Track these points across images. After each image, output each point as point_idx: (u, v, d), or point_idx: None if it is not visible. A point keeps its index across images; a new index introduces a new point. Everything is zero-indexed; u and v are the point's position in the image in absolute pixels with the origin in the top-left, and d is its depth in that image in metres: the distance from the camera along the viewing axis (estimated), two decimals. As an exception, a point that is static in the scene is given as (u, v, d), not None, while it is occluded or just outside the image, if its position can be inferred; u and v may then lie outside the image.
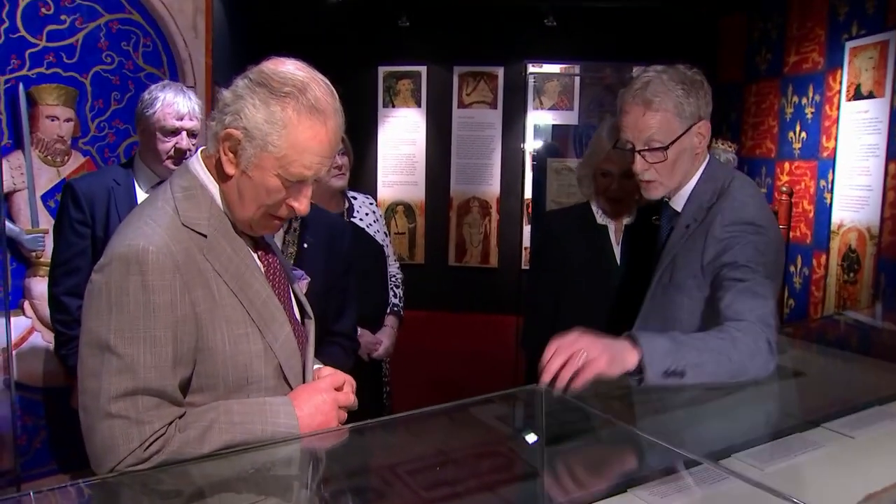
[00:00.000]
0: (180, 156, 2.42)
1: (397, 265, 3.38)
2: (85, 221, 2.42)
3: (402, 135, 6.77)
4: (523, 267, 6.40)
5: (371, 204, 3.27)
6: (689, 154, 1.97)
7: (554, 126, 6.05)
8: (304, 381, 1.59)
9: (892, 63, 3.79)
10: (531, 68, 6.44)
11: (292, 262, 2.33)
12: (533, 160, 5.72)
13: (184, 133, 2.45)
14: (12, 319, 3.13)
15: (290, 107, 1.36)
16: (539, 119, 6.44)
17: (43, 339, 3.21)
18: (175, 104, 2.44)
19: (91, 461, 1.33)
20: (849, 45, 4.15)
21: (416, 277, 5.89)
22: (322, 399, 1.51)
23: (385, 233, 3.29)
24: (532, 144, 6.18)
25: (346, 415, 1.58)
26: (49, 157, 3.23)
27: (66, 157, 3.28)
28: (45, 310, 2.73)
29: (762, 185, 5.03)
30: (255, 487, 1.46)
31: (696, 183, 2.01)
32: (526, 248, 6.42)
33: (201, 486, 1.43)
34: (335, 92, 1.43)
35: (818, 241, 4.42)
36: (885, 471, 1.50)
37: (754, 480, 1.42)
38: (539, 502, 1.58)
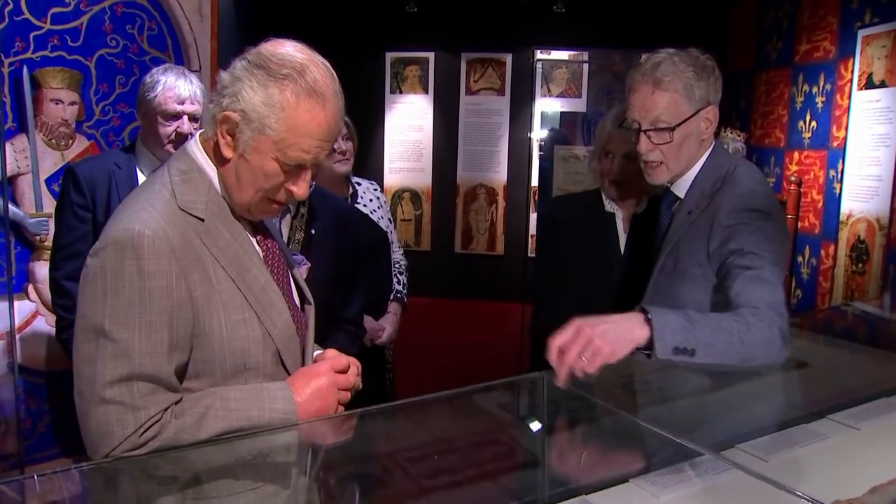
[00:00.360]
0: (181, 140, 2.40)
1: (401, 252, 3.37)
2: (86, 206, 2.41)
3: (409, 121, 6.75)
4: (529, 255, 6.38)
5: (375, 190, 3.25)
6: (695, 138, 1.95)
7: (562, 113, 6.01)
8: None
9: (905, 51, 3.75)
10: (539, 55, 6.41)
11: (300, 248, 2.32)
12: (540, 148, 5.70)
13: (185, 117, 2.44)
14: (16, 303, 3.13)
15: (288, 89, 1.34)
16: (547, 106, 6.40)
17: (47, 323, 3.21)
18: (176, 88, 2.43)
19: (86, 447, 1.32)
20: (861, 33, 4.10)
21: (422, 264, 5.90)
22: (321, 383, 1.49)
23: (389, 219, 3.28)
24: (539, 132, 6.15)
25: (349, 396, 1.56)
26: (53, 141, 3.22)
27: (71, 141, 3.27)
28: (49, 294, 2.73)
29: (771, 174, 5.00)
30: (253, 474, 1.46)
31: (700, 169, 1.99)
32: (532, 236, 6.40)
33: (198, 472, 1.42)
34: (335, 74, 1.41)
35: (827, 231, 4.38)
36: (890, 463, 1.49)
37: (756, 472, 1.41)
38: (540, 491, 1.57)
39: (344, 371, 1.56)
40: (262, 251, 1.53)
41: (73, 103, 3.24)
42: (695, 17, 5.82)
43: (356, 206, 3.05)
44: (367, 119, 6.46)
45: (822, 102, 4.49)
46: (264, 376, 1.46)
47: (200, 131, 1.48)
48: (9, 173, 3.09)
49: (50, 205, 3.17)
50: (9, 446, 3.13)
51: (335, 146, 2.88)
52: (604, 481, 1.41)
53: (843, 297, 4.15)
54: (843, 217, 4.19)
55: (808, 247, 4.57)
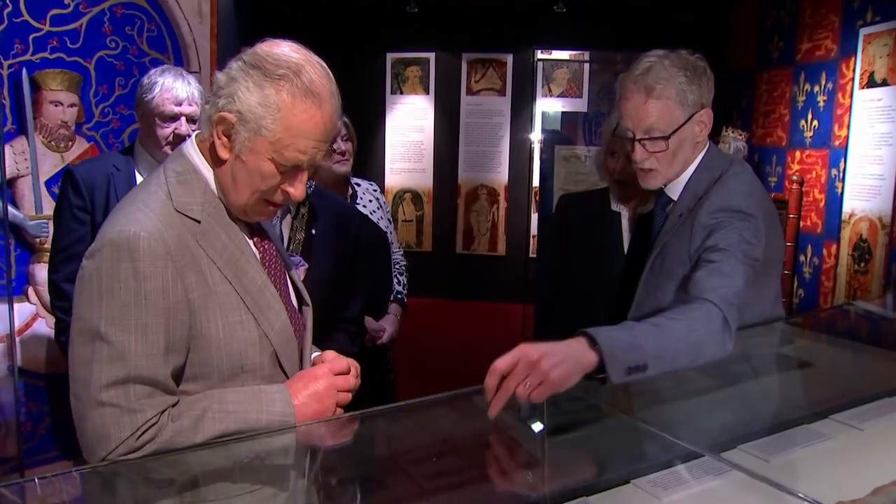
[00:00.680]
0: (179, 141, 2.39)
1: (401, 252, 3.37)
2: (85, 207, 2.41)
3: (409, 122, 6.74)
4: (531, 255, 6.37)
5: (375, 191, 3.25)
6: (689, 143, 1.94)
7: (563, 113, 6.00)
8: (301, 370, 1.57)
9: (907, 50, 3.73)
10: (540, 55, 6.39)
11: (301, 248, 2.33)
12: (541, 148, 5.68)
13: (183, 118, 2.43)
14: (16, 306, 3.12)
15: (284, 90, 1.33)
16: (548, 106, 6.38)
17: (47, 325, 3.20)
18: (174, 89, 2.42)
19: (83, 450, 1.32)
20: (863, 31, 4.08)
21: (423, 265, 5.89)
22: (319, 386, 1.49)
23: (389, 220, 3.27)
24: (540, 132, 6.14)
25: (349, 398, 1.55)
26: (53, 143, 3.22)
27: (70, 143, 3.27)
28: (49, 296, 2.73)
29: (773, 174, 4.98)
30: (251, 476, 1.45)
31: (694, 171, 1.97)
32: (534, 237, 6.39)
33: (197, 475, 1.42)
34: (331, 74, 1.40)
35: (829, 230, 4.37)
36: (893, 464, 1.48)
37: (758, 473, 1.40)
38: (540, 492, 1.55)
39: (343, 373, 1.55)
40: (259, 253, 1.52)
41: (72, 105, 3.23)
42: (695, 17, 5.80)
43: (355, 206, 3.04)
44: (367, 120, 6.45)
45: (824, 101, 4.47)
46: (262, 378, 1.46)
47: (196, 132, 1.48)
48: (8, 175, 3.08)
49: (50, 207, 3.16)
50: (9, 449, 3.12)
51: (335, 147, 2.88)
52: (605, 483, 1.40)
53: (846, 297, 4.14)
54: (845, 216, 4.18)
55: (810, 246, 4.55)
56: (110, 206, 2.38)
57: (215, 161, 1.42)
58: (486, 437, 1.74)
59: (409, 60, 6.71)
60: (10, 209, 3.10)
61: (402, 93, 6.74)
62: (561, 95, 6.57)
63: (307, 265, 1.80)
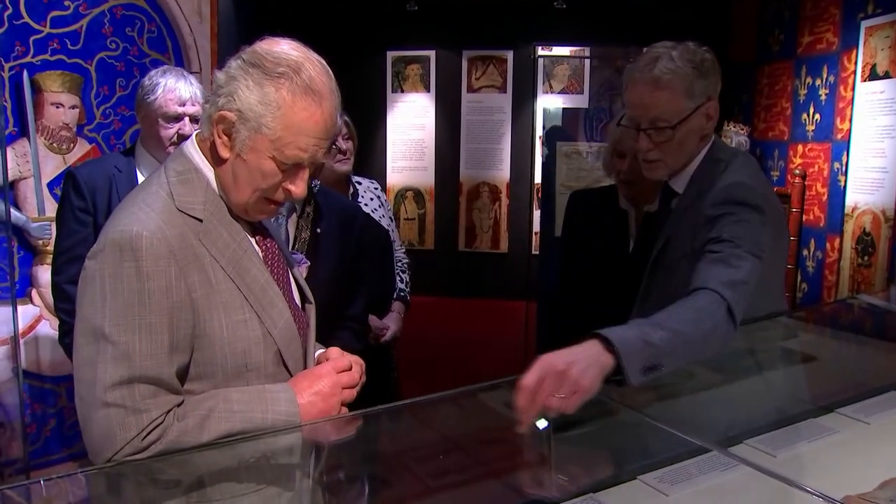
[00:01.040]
0: (183, 142, 2.40)
1: (403, 251, 3.37)
2: (87, 209, 2.40)
3: (411, 120, 6.74)
4: (534, 252, 6.37)
5: (376, 189, 3.24)
6: (695, 135, 1.93)
7: (564, 109, 5.99)
8: (304, 368, 1.56)
9: (909, 41, 3.73)
10: (541, 51, 6.39)
11: (306, 246, 2.33)
12: (543, 144, 5.68)
13: (186, 119, 2.43)
14: (20, 308, 3.13)
15: (284, 88, 1.33)
16: (549, 103, 6.39)
17: (51, 327, 3.21)
18: (177, 90, 2.42)
19: (88, 451, 1.31)
20: (864, 24, 4.08)
21: (426, 263, 5.90)
22: (323, 384, 1.48)
23: (390, 218, 3.27)
24: (542, 128, 6.14)
25: (354, 394, 1.55)
26: (54, 145, 3.22)
27: (72, 145, 3.27)
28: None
29: (775, 167, 4.98)
30: (257, 476, 1.45)
31: (699, 164, 1.97)
32: (536, 234, 6.38)
33: (202, 475, 1.41)
34: (331, 72, 1.40)
35: (832, 224, 4.36)
36: (901, 457, 1.47)
37: (765, 468, 1.39)
38: (547, 489, 1.55)
39: (346, 370, 1.55)
40: (262, 251, 1.52)
41: (73, 107, 3.24)
42: (696, 11, 5.79)
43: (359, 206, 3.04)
44: (369, 118, 6.45)
45: (826, 94, 4.47)
46: (266, 377, 1.45)
47: (197, 131, 1.47)
48: (11, 178, 3.09)
49: (52, 209, 3.16)
50: (15, 451, 3.13)
51: (336, 145, 2.88)
52: (611, 479, 1.40)
53: (850, 290, 4.13)
54: (848, 209, 4.17)
55: (813, 240, 4.55)
56: (112, 208, 2.38)
57: (216, 160, 1.42)
58: (491, 434, 1.74)
59: (409, 58, 6.71)
60: (13, 211, 3.11)
61: (402, 91, 6.74)
62: (562, 92, 6.58)
63: (308, 263, 1.80)
